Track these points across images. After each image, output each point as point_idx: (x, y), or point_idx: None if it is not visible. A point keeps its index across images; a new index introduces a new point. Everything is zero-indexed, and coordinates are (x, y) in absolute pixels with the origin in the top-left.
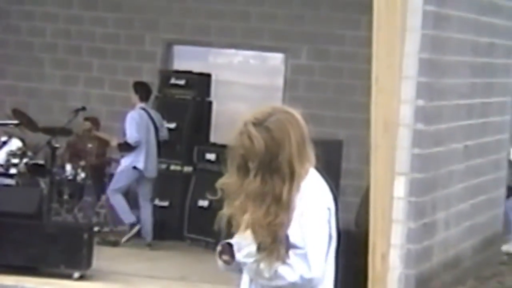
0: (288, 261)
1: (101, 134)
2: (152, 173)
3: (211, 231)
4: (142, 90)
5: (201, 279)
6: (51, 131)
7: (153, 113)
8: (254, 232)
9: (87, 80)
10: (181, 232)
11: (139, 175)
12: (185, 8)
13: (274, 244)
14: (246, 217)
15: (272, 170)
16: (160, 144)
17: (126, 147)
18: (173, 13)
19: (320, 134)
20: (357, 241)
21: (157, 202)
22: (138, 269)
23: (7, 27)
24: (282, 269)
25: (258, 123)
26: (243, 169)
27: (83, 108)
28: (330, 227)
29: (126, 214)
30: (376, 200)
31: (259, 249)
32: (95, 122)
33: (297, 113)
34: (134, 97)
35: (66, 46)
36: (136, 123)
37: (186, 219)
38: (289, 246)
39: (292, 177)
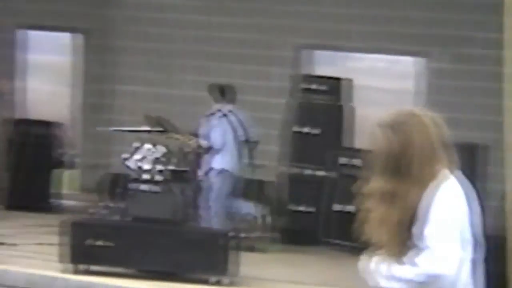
0: (410, 260)
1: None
2: (241, 173)
3: (349, 235)
4: (224, 92)
5: (342, 284)
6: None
7: (240, 114)
8: (373, 230)
9: None
10: (319, 236)
11: (230, 177)
12: (321, 12)
13: (391, 242)
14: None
15: (397, 171)
16: (249, 146)
17: (208, 150)
18: (309, 18)
19: (465, 138)
20: (502, 246)
21: (293, 207)
22: (278, 274)
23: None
24: (403, 269)
25: (386, 125)
26: (376, 171)
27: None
28: (464, 231)
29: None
30: None
31: (376, 248)
32: None
33: (429, 116)
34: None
35: (205, 52)
36: (217, 126)
37: (323, 223)
38: (412, 245)
39: (417, 179)
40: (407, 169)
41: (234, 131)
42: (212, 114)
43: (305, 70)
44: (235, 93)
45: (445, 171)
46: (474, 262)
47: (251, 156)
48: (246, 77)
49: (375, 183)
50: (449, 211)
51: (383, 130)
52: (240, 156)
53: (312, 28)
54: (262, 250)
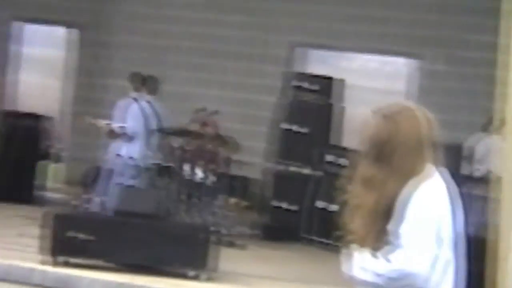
0: (384, 256)
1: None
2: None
3: (329, 232)
4: (146, 82)
5: (320, 281)
6: (180, 133)
7: (158, 105)
8: (350, 214)
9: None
10: (299, 233)
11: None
12: (316, 11)
13: (364, 230)
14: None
15: (380, 158)
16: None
17: (121, 136)
18: (304, 16)
19: (453, 139)
20: (483, 246)
21: (277, 203)
22: (257, 270)
23: None
24: (376, 263)
25: (380, 113)
26: (362, 156)
27: (216, 112)
28: (441, 230)
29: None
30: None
31: (352, 238)
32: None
33: (422, 112)
34: (130, 87)
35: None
36: (122, 112)
37: (306, 220)
38: (388, 241)
39: (397, 169)
40: (389, 157)
41: (146, 120)
42: (128, 101)
43: (298, 69)
44: (157, 84)
45: (430, 168)
46: (447, 261)
47: (160, 146)
48: (239, 74)
49: (359, 168)
50: (425, 211)
51: (376, 117)
52: (147, 145)
53: (307, 27)
54: (241, 247)
